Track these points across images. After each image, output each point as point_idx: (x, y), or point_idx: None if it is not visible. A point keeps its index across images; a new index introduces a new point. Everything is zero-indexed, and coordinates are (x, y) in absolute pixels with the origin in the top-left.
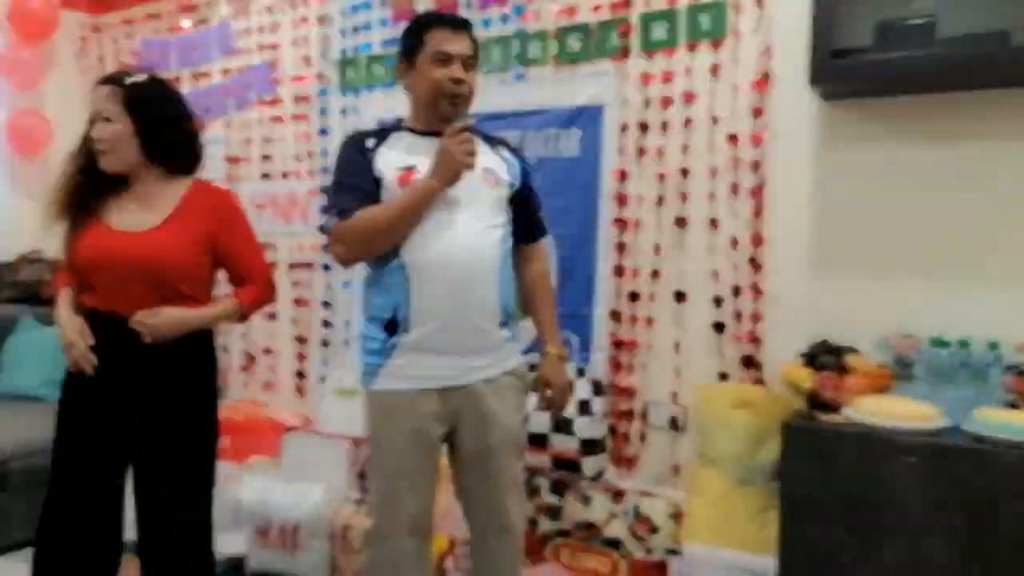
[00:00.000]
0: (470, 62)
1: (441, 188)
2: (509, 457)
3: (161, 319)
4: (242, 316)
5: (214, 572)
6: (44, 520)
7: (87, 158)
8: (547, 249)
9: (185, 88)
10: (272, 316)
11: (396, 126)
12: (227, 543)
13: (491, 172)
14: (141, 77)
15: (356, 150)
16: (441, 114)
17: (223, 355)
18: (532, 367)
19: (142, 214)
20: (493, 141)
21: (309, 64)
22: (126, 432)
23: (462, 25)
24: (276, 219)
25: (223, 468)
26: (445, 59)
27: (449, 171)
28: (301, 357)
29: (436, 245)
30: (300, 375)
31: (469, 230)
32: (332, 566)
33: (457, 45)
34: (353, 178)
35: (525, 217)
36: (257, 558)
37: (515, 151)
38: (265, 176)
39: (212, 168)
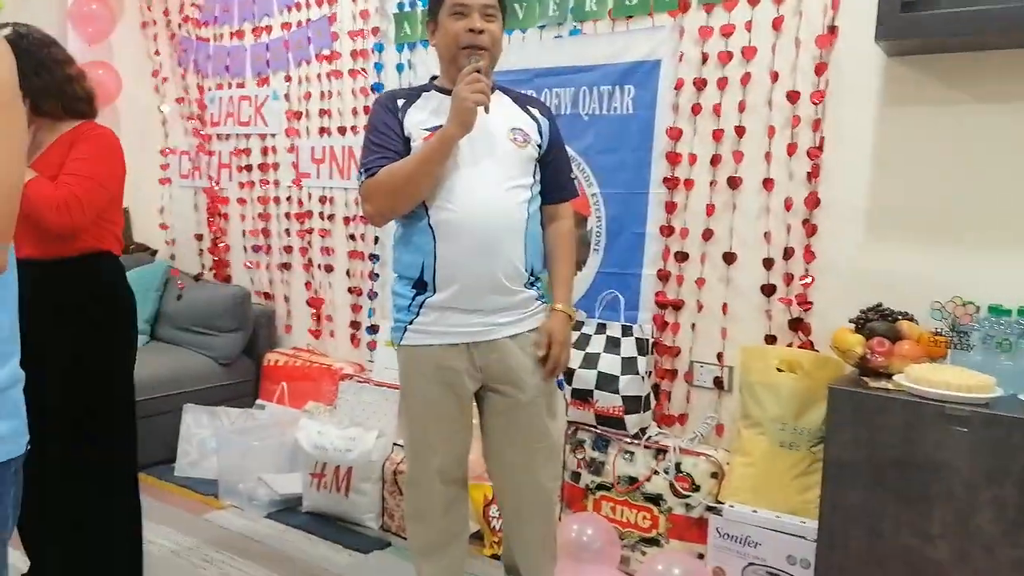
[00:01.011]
0: (490, 12)
1: (458, 133)
2: (539, 414)
3: None
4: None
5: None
6: None
7: None
8: (571, 209)
9: (247, 41)
10: (329, 268)
11: (428, 86)
12: (284, 483)
13: (519, 131)
14: (7, 31)
15: (386, 110)
16: (461, 67)
17: (285, 304)
18: None
19: (28, 157)
20: (523, 100)
21: (366, 18)
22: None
23: None
24: (333, 174)
25: (281, 413)
26: (463, 10)
27: (462, 113)
28: (356, 308)
29: (463, 204)
30: (354, 325)
31: (496, 189)
32: (382, 508)
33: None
34: (382, 137)
35: (553, 178)
36: (311, 499)
37: (545, 111)
38: (323, 131)
39: (272, 123)
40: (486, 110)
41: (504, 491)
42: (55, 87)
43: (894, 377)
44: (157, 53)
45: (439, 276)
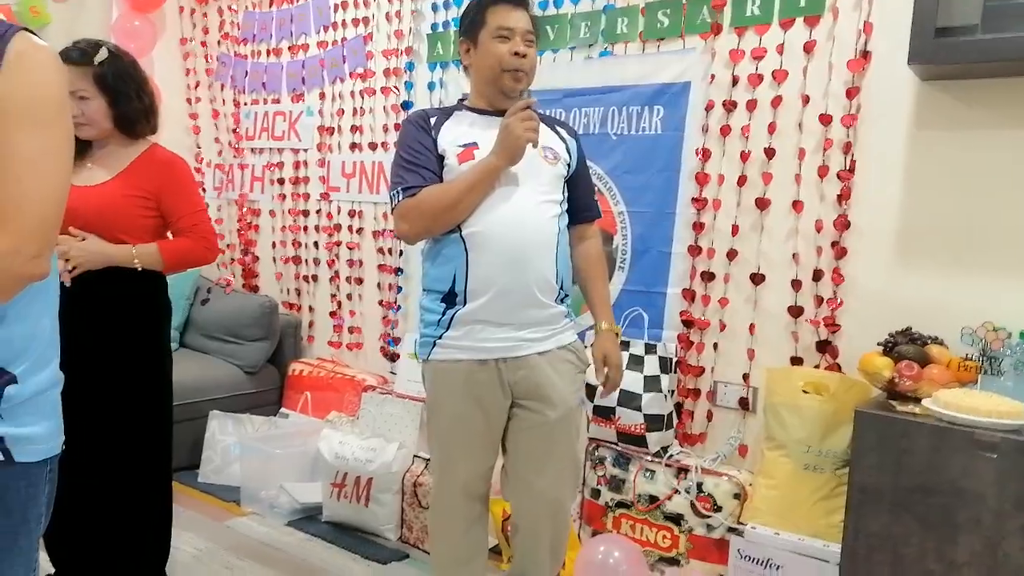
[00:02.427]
0: (530, 37)
1: (504, 165)
2: (565, 434)
3: (85, 245)
4: (163, 264)
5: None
6: None
7: None
8: (598, 229)
9: (284, 59)
10: (359, 281)
11: (459, 106)
12: (305, 492)
13: (550, 149)
14: (105, 54)
15: (419, 128)
16: (504, 89)
17: (309, 315)
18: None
19: (95, 172)
20: (550, 121)
21: (400, 38)
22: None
23: (521, 2)
24: (362, 188)
25: (304, 422)
26: (507, 34)
27: (512, 148)
28: (387, 321)
29: (495, 218)
30: (384, 337)
31: (527, 204)
32: (401, 519)
33: (517, 20)
34: (417, 155)
35: (579, 198)
36: (331, 508)
37: (571, 132)
38: (354, 146)
39: (305, 138)
40: (534, 145)
41: (523, 507)
42: (151, 110)
43: (922, 402)
44: (197, 71)
45: (471, 287)
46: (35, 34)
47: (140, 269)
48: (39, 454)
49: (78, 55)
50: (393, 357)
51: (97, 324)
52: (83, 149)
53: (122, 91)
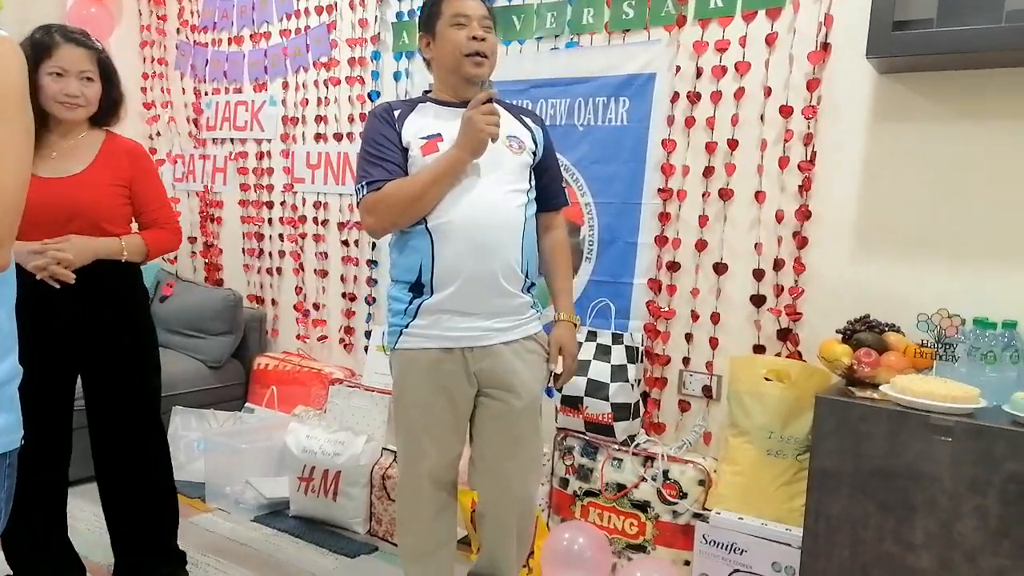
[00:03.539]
0: (487, 23)
1: (467, 158)
2: (531, 423)
3: (73, 243)
4: (147, 255)
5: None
6: None
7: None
8: (563, 218)
9: (245, 48)
10: (323, 273)
11: (423, 97)
12: (271, 487)
13: (515, 139)
14: (100, 43)
15: (383, 121)
16: (466, 75)
17: (272, 309)
18: None
19: (65, 162)
20: (515, 110)
21: (365, 27)
22: (66, 369)
23: None
24: (327, 179)
25: (270, 417)
26: (463, 21)
27: (474, 141)
28: (349, 313)
29: (460, 209)
30: (348, 331)
31: (492, 194)
32: (370, 513)
33: (473, 8)
34: (381, 149)
35: (546, 186)
36: (299, 503)
37: (537, 120)
38: (319, 137)
39: (268, 128)
40: (494, 140)
41: (490, 496)
42: (122, 100)
43: (880, 387)
44: (155, 60)
45: (437, 277)
46: (54, 42)
47: (124, 260)
48: None
49: (85, 38)
50: (364, 350)
51: (94, 315)
52: (39, 138)
53: (113, 78)
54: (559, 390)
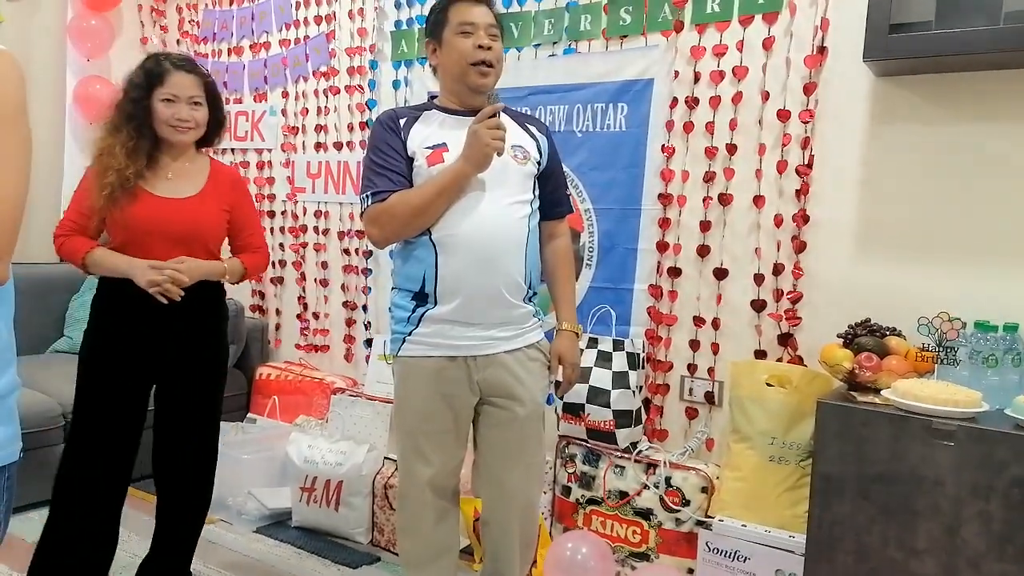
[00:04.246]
0: (493, 31)
1: (472, 172)
2: (534, 430)
3: (188, 266)
4: (243, 276)
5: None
6: (65, 461)
7: (140, 129)
8: (567, 226)
9: (245, 58)
10: (324, 282)
11: (429, 104)
12: (273, 498)
13: (520, 148)
14: (206, 69)
15: (388, 129)
16: (471, 84)
17: (275, 318)
18: None
19: (179, 184)
20: (521, 119)
21: (364, 36)
22: (150, 372)
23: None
24: (328, 188)
25: (272, 427)
26: (469, 29)
27: (479, 155)
28: (349, 323)
29: (464, 220)
30: (349, 340)
31: (497, 205)
32: (372, 523)
33: (479, 15)
34: (386, 159)
35: (549, 194)
36: (301, 513)
37: (543, 129)
38: (319, 146)
39: (269, 138)
40: (499, 154)
41: (493, 503)
42: (225, 123)
43: (882, 392)
44: None
45: (441, 289)
46: (166, 70)
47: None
48: None
49: (193, 65)
50: (365, 359)
51: (184, 329)
52: (154, 159)
53: (217, 102)
54: (560, 399)
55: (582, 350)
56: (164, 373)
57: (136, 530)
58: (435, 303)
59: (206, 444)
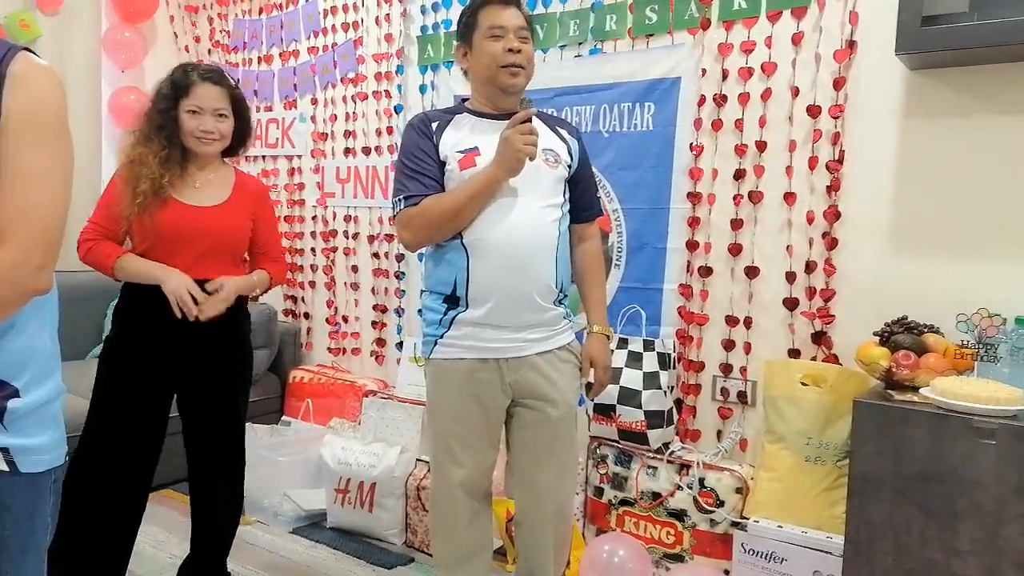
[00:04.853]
0: (524, 34)
1: (504, 177)
2: (566, 432)
3: (228, 289)
4: (268, 286)
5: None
6: (75, 464)
7: (171, 139)
8: (598, 229)
9: (275, 66)
10: (354, 286)
11: (459, 108)
12: (309, 499)
13: (551, 152)
14: (234, 80)
15: (420, 133)
16: (502, 86)
17: (306, 322)
18: None
19: (207, 193)
20: (552, 122)
21: (391, 41)
22: (171, 380)
23: (511, 0)
24: (357, 193)
25: (306, 429)
26: (499, 32)
27: (511, 161)
28: (380, 325)
29: (496, 224)
30: (379, 343)
31: (528, 210)
32: (406, 524)
33: (509, 18)
34: (418, 163)
35: (579, 197)
36: (336, 514)
37: (573, 131)
38: (348, 151)
39: (299, 144)
40: (531, 159)
41: (526, 504)
42: (251, 134)
43: (920, 390)
44: None
45: (472, 293)
46: (35, 54)
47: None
48: (43, 464)
49: (220, 77)
50: (396, 361)
51: (207, 337)
52: (183, 168)
53: (244, 113)
54: (592, 400)
55: (612, 351)
56: (186, 381)
57: (175, 531)
58: (466, 306)
59: (233, 450)
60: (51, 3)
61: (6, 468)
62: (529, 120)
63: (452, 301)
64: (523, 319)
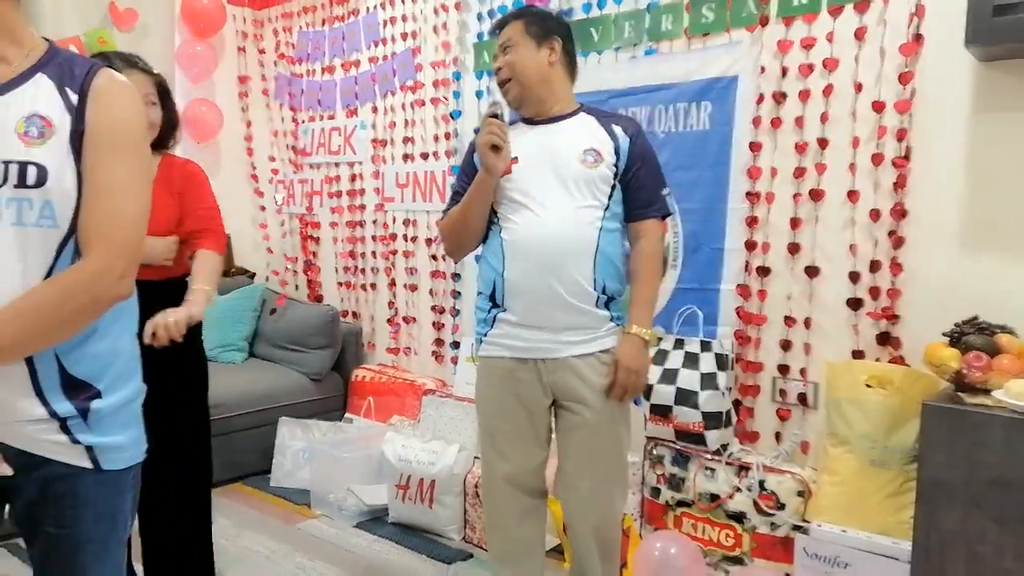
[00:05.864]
0: (507, 46)
1: (487, 177)
2: (609, 436)
3: (174, 323)
4: (219, 268)
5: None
6: None
7: None
8: (656, 228)
9: (337, 76)
10: (413, 288)
11: (518, 116)
12: (371, 494)
13: (592, 152)
14: (157, 69)
15: (472, 151)
16: (507, 102)
17: (368, 323)
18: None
19: None
20: (608, 118)
21: (447, 49)
22: None
23: (499, 24)
24: (415, 198)
25: (368, 427)
26: (499, 52)
27: (483, 157)
28: (438, 326)
29: (528, 225)
30: (438, 342)
31: (562, 210)
32: (464, 520)
33: (500, 38)
34: (460, 181)
35: (634, 194)
36: (397, 510)
37: (630, 128)
38: (406, 157)
39: (360, 151)
40: (496, 149)
41: (569, 507)
42: (178, 124)
43: (993, 393)
44: (260, 92)
45: (507, 292)
46: (117, 70)
47: (181, 275)
48: (124, 462)
49: (144, 63)
50: (452, 360)
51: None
52: None
53: (169, 103)
54: (619, 399)
55: (666, 351)
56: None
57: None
58: (503, 306)
59: (184, 468)
60: (127, 20)
61: (90, 466)
62: (497, 115)
63: (493, 301)
64: (559, 320)
